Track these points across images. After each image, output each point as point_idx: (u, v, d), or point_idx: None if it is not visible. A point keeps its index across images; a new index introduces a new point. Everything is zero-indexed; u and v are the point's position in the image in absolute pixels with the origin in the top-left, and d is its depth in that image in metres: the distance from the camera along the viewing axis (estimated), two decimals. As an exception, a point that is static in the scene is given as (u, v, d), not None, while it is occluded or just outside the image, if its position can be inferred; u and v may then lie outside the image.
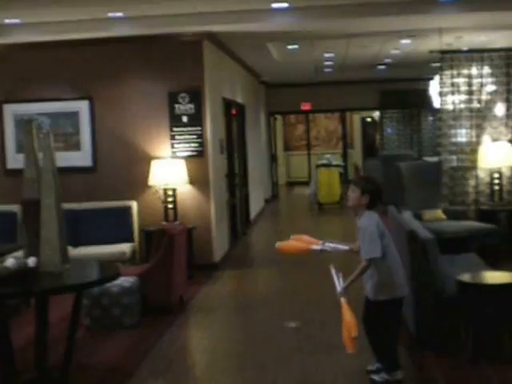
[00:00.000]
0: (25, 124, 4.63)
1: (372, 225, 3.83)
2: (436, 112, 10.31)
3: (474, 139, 8.07)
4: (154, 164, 7.40)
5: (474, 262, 5.59)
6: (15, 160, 7.55)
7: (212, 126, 7.78)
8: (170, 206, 7.36)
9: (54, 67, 7.69)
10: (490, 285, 4.48)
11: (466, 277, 4.47)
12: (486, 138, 8.03)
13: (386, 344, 4.00)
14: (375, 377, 4.00)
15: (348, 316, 3.77)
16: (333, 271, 3.92)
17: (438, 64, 8.27)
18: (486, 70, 8.01)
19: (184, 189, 7.54)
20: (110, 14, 6.94)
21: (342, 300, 3.83)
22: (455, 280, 4.45)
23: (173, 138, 7.59)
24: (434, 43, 8.99)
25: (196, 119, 7.55)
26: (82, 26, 7.13)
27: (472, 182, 8.11)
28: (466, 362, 4.26)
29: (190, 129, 7.56)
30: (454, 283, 4.45)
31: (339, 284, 3.88)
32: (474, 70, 8.02)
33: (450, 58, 8.08)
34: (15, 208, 7.17)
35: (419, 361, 4.39)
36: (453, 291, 4.46)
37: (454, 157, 8.12)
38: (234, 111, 10.14)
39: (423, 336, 4.61)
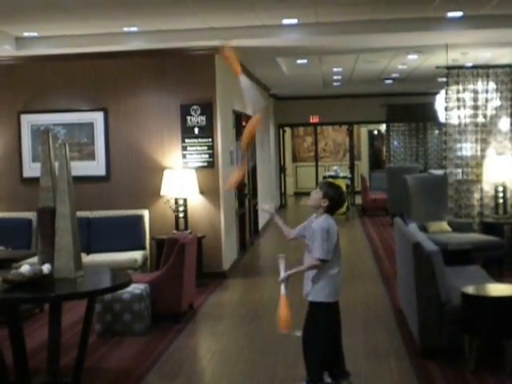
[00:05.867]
0: (41, 134, 4.72)
1: (325, 227, 3.95)
2: (442, 126, 10.41)
3: (479, 153, 8.19)
4: (166, 174, 7.55)
5: (478, 275, 5.65)
6: (31, 169, 7.73)
7: (223, 138, 7.92)
8: (181, 215, 7.49)
9: (70, 79, 7.86)
10: (494, 297, 4.51)
11: (470, 289, 4.52)
12: (490, 152, 8.14)
13: (315, 352, 4.00)
14: None
15: (283, 310, 3.94)
16: (281, 261, 4.05)
17: (444, 79, 8.40)
18: (492, 85, 8.13)
19: (195, 198, 7.68)
20: (125, 29, 7.12)
21: (282, 290, 3.99)
22: (459, 292, 4.51)
23: (184, 149, 7.73)
24: (441, 59, 9.11)
25: (207, 131, 7.69)
26: (98, 40, 7.31)
27: (477, 195, 8.21)
28: (470, 373, 4.30)
29: (201, 140, 7.70)
30: (458, 295, 4.50)
31: (284, 272, 4.01)
32: (480, 86, 8.14)
33: (456, 74, 8.22)
34: (31, 215, 7.33)
35: (423, 372, 4.42)
36: (457, 303, 4.52)
37: (460, 170, 8.23)
38: (243, 123, 10.27)
39: (427, 347, 4.66)
